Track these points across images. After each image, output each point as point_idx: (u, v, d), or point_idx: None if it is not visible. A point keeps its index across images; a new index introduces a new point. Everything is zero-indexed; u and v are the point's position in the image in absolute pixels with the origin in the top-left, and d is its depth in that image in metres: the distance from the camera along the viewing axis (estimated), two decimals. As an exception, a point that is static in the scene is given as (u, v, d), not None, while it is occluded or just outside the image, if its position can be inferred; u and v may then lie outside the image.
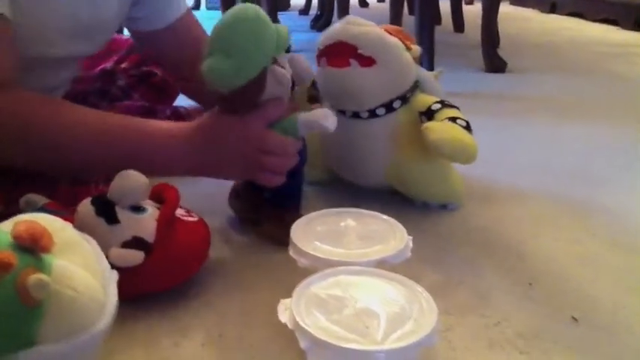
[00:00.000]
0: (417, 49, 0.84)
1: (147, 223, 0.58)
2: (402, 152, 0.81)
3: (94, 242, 0.46)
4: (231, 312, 0.61)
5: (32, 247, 0.39)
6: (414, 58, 0.83)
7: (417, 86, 0.83)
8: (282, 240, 0.63)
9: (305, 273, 0.56)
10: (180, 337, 0.56)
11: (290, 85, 0.67)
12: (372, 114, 0.80)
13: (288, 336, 0.51)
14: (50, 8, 0.70)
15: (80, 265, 0.42)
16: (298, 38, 2.27)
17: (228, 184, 0.80)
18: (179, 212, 0.62)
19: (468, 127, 0.77)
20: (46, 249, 0.40)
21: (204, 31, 0.93)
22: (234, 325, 0.59)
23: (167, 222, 0.58)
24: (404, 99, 0.81)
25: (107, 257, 0.48)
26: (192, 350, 0.55)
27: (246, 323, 0.59)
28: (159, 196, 0.61)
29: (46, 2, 0.69)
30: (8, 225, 0.42)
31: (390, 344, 0.46)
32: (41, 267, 0.39)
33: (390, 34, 0.81)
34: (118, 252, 0.54)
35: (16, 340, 0.39)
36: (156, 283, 0.59)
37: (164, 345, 0.55)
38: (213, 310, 0.61)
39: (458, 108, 0.81)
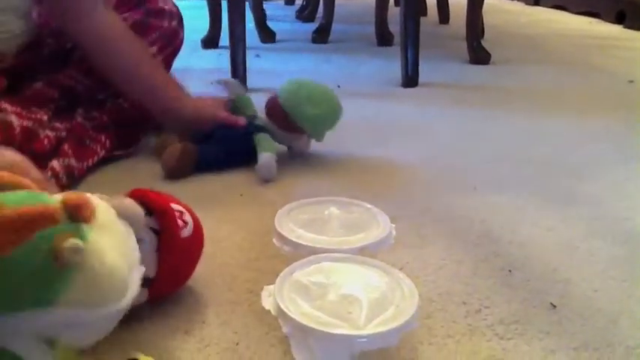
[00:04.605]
0: None
1: (147, 258, 0.54)
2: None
3: (130, 231, 0.48)
4: (215, 299, 0.61)
5: (76, 214, 0.41)
6: None
7: None
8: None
9: (288, 260, 0.56)
10: (163, 325, 0.57)
11: None
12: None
13: (271, 322, 0.52)
14: None
15: (113, 247, 0.43)
16: (283, 28, 2.26)
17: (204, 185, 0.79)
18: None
19: None
20: (88, 219, 0.42)
21: None
22: (217, 311, 0.59)
23: (168, 255, 0.56)
24: None
25: None
26: (175, 337, 0.55)
27: (230, 310, 0.59)
28: (144, 202, 0.57)
29: None
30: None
31: (371, 329, 0.46)
32: (79, 235, 0.41)
33: None
34: None
35: (38, 296, 0.40)
36: (154, 299, 0.58)
37: (147, 332, 0.56)
38: (196, 297, 0.61)
39: None
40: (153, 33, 1.03)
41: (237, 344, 0.54)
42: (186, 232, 0.58)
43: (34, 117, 0.85)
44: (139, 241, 0.53)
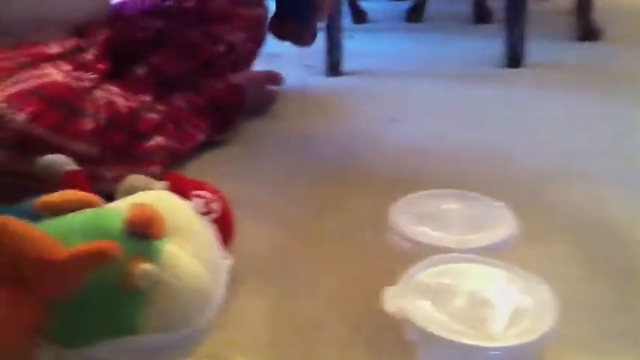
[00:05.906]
0: None
1: None
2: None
3: (209, 227, 0.45)
4: (330, 298, 0.59)
5: (144, 233, 0.38)
6: None
7: None
8: None
9: (405, 259, 0.53)
10: (273, 322, 0.56)
11: None
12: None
13: (391, 325, 0.49)
14: None
15: (190, 252, 0.40)
16: (375, 8, 2.20)
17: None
18: None
19: None
20: (157, 236, 0.39)
21: None
22: (332, 310, 0.57)
23: None
24: None
25: None
26: (287, 336, 0.54)
27: (346, 310, 0.57)
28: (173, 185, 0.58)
29: None
30: (125, 204, 0.42)
31: (507, 341, 0.42)
32: (150, 254, 0.38)
33: None
34: None
35: (115, 327, 0.38)
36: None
37: (259, 332, 0.55)
38: (311, 294, 0.59)
39: None
40: (239, 20, 1.02)
41: (352, 345, 0.52)
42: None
43: (139, 99, 0.86)
44: None
